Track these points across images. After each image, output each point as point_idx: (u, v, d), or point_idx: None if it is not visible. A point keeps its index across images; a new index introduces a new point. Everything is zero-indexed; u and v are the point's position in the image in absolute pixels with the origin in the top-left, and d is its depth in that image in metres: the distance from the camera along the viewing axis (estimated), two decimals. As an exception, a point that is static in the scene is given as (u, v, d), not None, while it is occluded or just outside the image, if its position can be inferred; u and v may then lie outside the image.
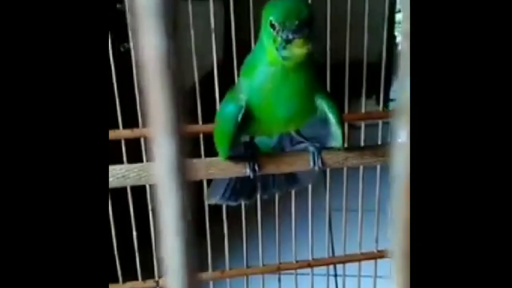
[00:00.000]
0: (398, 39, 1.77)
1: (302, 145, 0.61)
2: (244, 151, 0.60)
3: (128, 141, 0.73)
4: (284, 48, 0.49)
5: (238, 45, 0.74)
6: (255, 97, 0.53)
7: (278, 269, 0.84)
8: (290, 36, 0.48)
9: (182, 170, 0.11)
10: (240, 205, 0.80)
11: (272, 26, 0.49)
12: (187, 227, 0.13)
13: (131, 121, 0.73)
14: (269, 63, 0.51)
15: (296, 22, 0.48)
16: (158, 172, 0.11)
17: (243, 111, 0.53)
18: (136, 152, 0.72)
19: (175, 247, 0.13)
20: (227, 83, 0.72)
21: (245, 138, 0.61)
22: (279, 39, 0.49)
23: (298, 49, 0.49)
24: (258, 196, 0.80)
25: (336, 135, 0.57)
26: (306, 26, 0.48)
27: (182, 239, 0.13)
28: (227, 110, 0.55)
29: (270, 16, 0.49)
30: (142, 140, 0.73)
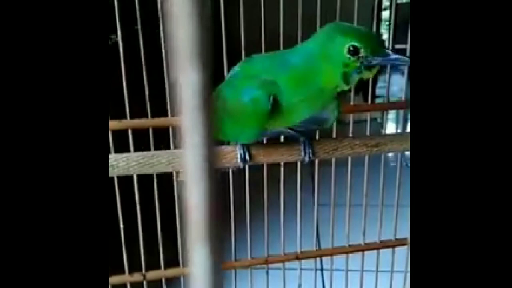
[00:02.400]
0: (385, 36, 1.79)
1: (287, 134, 0.62)
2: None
3: (115, 132, 0.72)
4: (359, 72, 0.50)
5: (228, 43, 0.74)
6: (283, 100, 0.52)
7: (266, 262, 0.84)
8: (374, 62, 0.50)
9: (211, 158, 0.11)
10: (228, 198, 0.80)
11: (353, 51, 0.49)
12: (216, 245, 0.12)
13: (119, 112, 0.72)
14: (323, 82, 0.51)
15: (387, 51, 0.50)
16: (187, 163, 0.11)
17: (271, 98, 0.52)
18: (123, 143, 0.71)
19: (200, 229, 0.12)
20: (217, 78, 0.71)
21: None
22: (357, 64, 0.49)
23: (370, 74, 0.51)
24: (247, 189, 0.80)
25: (334, 106, 0.57)
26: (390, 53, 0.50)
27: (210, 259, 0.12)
28: (257, 93, 0.52)
29: (352, 41, 0.49)
30: (129, 131, 0.73)
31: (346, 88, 0.52)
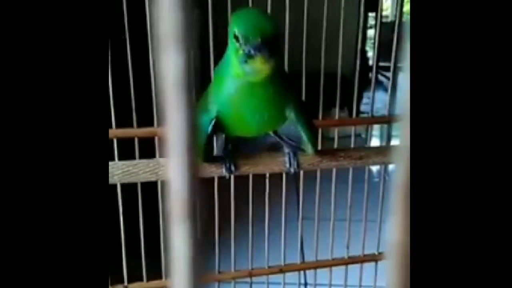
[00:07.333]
0: (370, 54, 1.82)
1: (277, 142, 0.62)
2: (222, 151, 0.60)
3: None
4: (246, 62, 0.47)
5: (215, 50, 0.75)
6: (225, 108, 0.53)
7: (250, 275, 0.83)
8: (252, 52, 0.47)
9: (193, 171, 0.12)
10: (213, 210, 0.80)
11: (236, 38, 0.47)
12: (197, 225, 0.13)
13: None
14: (235, 76, 0.50)
15: (259, 40, 0.46)
16: (170, 174, 0.12)
17: (213, 122, 0.53)
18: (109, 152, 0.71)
19: (183, 247, 0.13)
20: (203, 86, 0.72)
21: (222, 138, 0.61)
22: (241, 52, 0.47)
23: (259, 65, 0.48)
24: (232, 202, 0.80)
25: (306, 144, 0.58)
26: (268, 45, 0.46)
27: (191, 238, 0.13)
28: (202, 120, 0.54)
29: (234, 27, 0.47)
30: (114, 141, 0.72)
31: (254, 78, 0.49)
